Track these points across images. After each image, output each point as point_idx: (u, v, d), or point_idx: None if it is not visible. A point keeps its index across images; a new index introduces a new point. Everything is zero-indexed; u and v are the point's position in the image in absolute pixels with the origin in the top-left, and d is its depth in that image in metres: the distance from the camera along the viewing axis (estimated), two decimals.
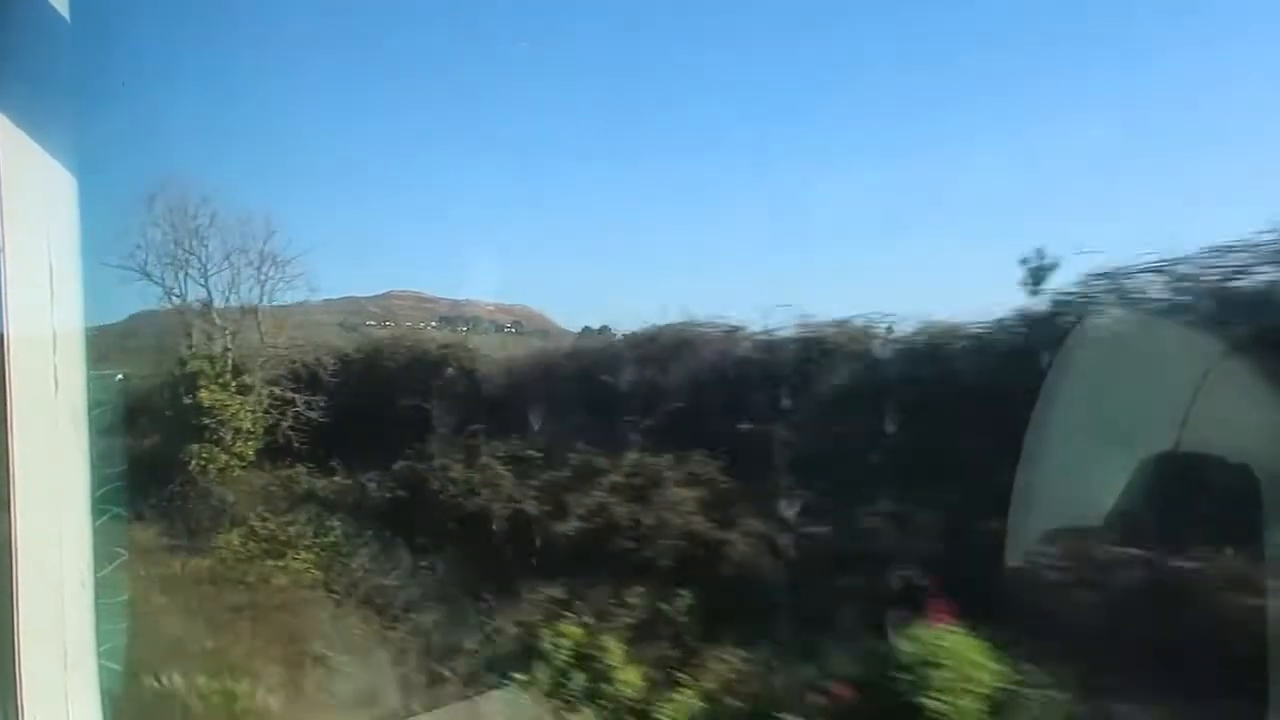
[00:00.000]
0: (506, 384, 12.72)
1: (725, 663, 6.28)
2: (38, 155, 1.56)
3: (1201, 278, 7.00)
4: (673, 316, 11.46)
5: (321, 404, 15.26)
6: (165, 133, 13.35)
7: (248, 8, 14.45)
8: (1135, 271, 7.47)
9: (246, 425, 15.27)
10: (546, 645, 6.88)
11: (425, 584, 9.21)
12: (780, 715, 5.49)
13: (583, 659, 6.65)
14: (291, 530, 12.49)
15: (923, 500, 7.04)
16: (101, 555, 1.75)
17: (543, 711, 6.51)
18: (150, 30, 11.43)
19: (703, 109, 17.54)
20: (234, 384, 15.50)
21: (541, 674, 6.63)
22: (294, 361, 16.13)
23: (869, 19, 15.36)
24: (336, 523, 12.10)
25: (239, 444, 15.26)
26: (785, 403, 8.48)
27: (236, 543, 12.78)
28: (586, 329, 18.55)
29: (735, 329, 10.60)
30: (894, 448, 7.28)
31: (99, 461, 1.72)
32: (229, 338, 15.83)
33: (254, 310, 16.07)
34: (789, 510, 7.17)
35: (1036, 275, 10.97)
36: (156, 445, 16.26)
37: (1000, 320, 8.11)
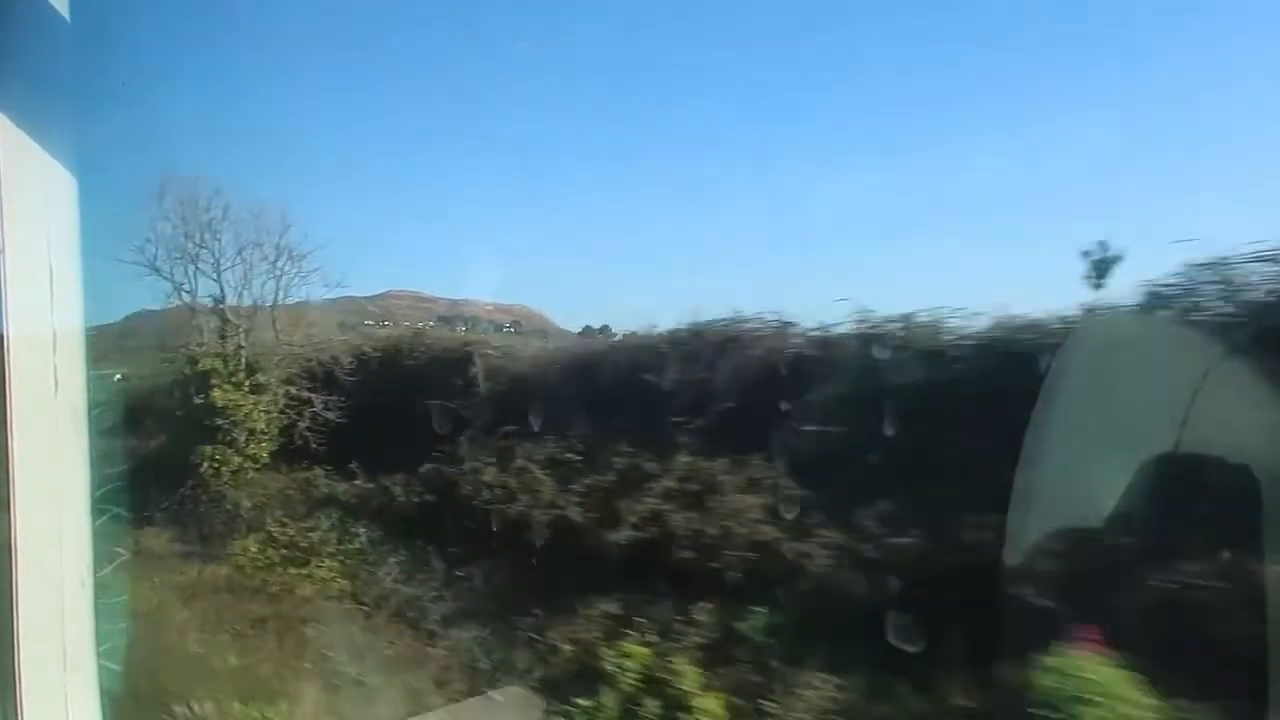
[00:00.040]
0: (536, 383, 12.13)
1: (818, 690, 5.69)
2: (38, 155, 1.55)
3: None
4: (714, 313, 10.87)
5: (339, 404, 14.67)
6: (164, 133, 13.38)
7: (247, 7, 14.57)
8: (1241, 261, 6.91)
9: (260, 426, 14.68)
10: (609, 667, 6.30)
11: (463, 596, 8.63)
12: None
13: (652, 683, 6.06)
14: (313, 536, 11.89)
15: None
16: (101, 555, 1.74)
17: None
18: (150, 30, 11.53)
19: (702, 109, 17.23)
20: (247, 383, 14.91)
21: (608, 699, 6.04)
22: (308, 360, 15.54)
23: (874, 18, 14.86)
24: (361, 529, 11.52)
25: (252, 445, 14.67)
26: (851, 403, 7.89)
27: (254, 549, 12.18)
28: (587, 328, 18.14)
29: (786, 324, 10.03)
30: (989, 451, 6.69)
31: (99, 461, 1.71)
32: (242, 335, 15.22)
33: (268, 307, 15.48)
34: (870, 519, 6.60)
35: (1100, 268, 10.42)
36: (166, 447, 15.69)
37: (1088, 312, 7.56)
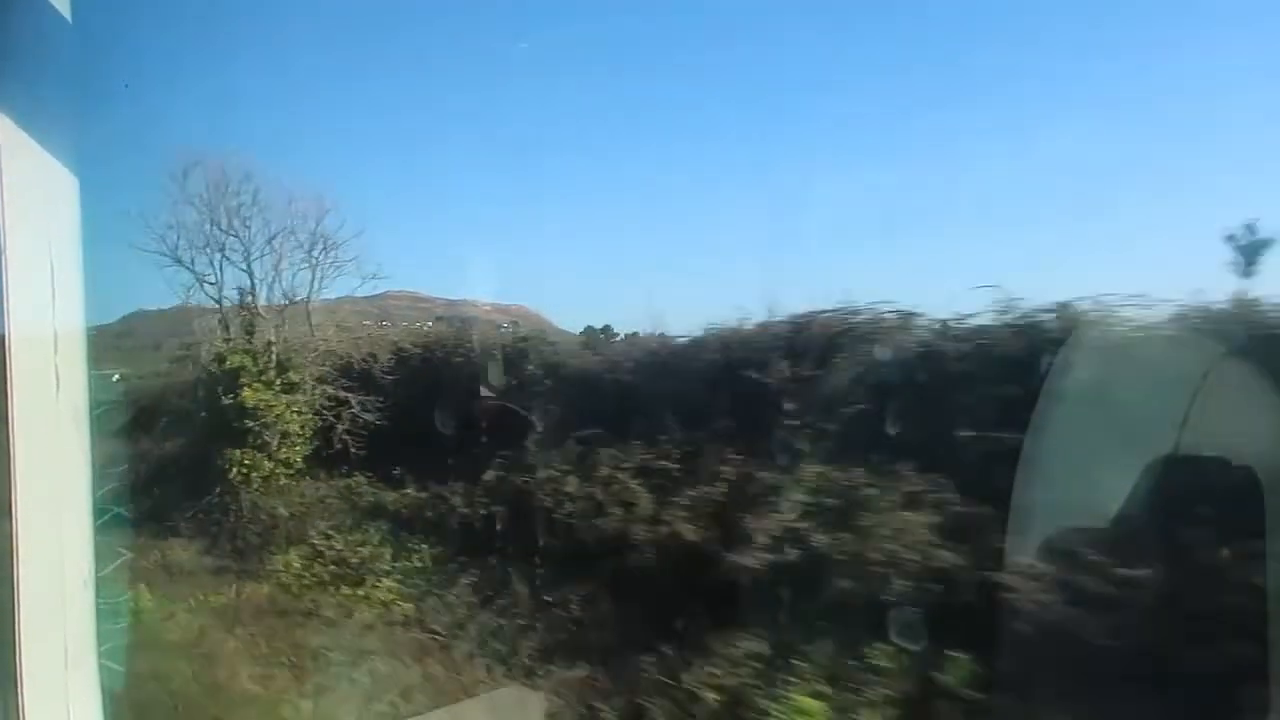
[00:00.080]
0: (606, 382, 11.01)
1: None
2: (39, 155, 1.57)
3: None
4: (816, 303, 9.79)
5: (377, 404, 13.53)
6: (162, 133, 13.01)
7: (247, 7, 14.31)
8: None
9: (294, 428, 13.52)
10: None
11: (559, 626, 7.51)
12: None
13: None
14: (363, 551, 10.75)
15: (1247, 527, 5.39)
16: (103, 555, 1.72)
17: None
18: (152, 30, 11.46)
19: (702, 108, 16.72)
20: (278, 381, 13.74)
21: None
22: (340, 356, 14.40)
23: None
24: (419, 543, 10.38)
25: (285, 449, 13.52)
26: (1016, 404, 6.79)
27: (298, 564, 11.04)
28: (589, 329, 17.64)
29: (910, 315, 8.94)
30: (1205, 461, 5.61)
31: (101, 461, 1.69)
32: (273, 329, 14.04)
33: (300, 299, 14.30)
34: (1082, 544, 5.52)
35: (1249, 253, 9.38)
36: (189, 451, 14.56)
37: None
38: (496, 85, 15.76)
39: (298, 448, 13.59)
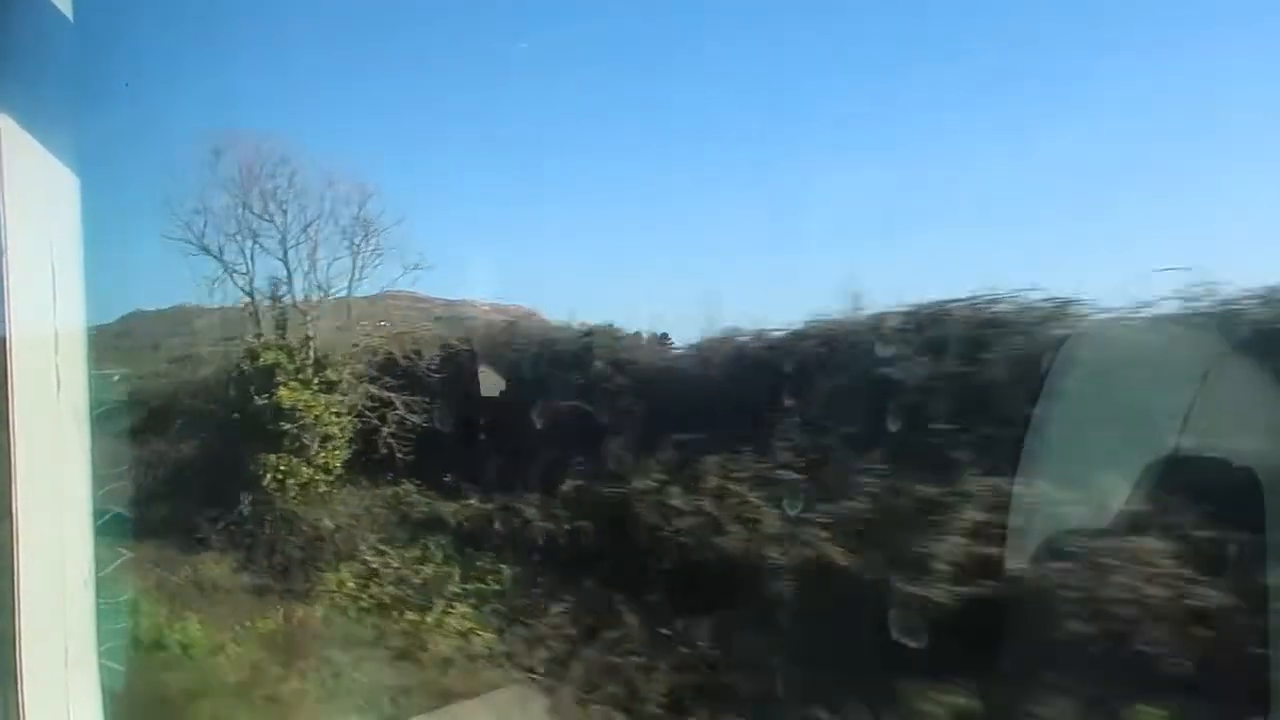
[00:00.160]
0: (695, 380, 9.90)
1: None
2: (40, 156, 1.56)
3: None
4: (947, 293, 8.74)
5: (423, 405, 12.38)
6: (161, 133, 12.54)
7: (247, 7, 14.14)
8: None
9: (334, 430, 12.34)
10: None
11: (689, 665, 6.40)
12: None
13: None
14: (425, 570, 9.61)
15: None
16: (103, 555, 1.72)
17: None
18: (153, 29, 11.32)
19: (701, 108, 16.34)
20: (316, 380, 12.54)
21: None
22: (376, 354, 13.24)
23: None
24: (491, 562, 9.24)
25: (324, 454, 12.33)
26: (1248, 407, 5.70)
27: (351, 584, 9.90)
28: (590, 329, 17.06)
29: (1063, 303, 7.87)
30: None
31: (101, 461, 1.67)
32: (310, 324, 12.83)
33: (340, 292, 13.11)
34: None
35: None
36: (215, 456, 13.33)
37: None
38: (496, 85, 15.38)
39: (337, 452, 12.42)
